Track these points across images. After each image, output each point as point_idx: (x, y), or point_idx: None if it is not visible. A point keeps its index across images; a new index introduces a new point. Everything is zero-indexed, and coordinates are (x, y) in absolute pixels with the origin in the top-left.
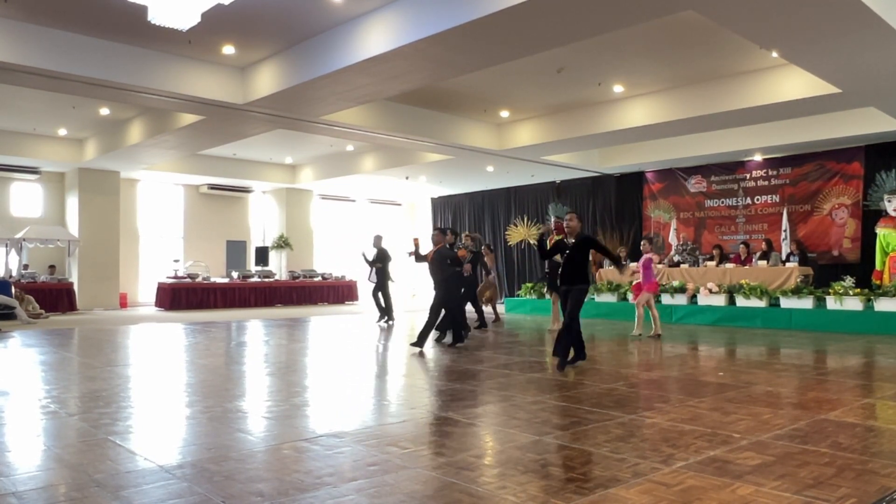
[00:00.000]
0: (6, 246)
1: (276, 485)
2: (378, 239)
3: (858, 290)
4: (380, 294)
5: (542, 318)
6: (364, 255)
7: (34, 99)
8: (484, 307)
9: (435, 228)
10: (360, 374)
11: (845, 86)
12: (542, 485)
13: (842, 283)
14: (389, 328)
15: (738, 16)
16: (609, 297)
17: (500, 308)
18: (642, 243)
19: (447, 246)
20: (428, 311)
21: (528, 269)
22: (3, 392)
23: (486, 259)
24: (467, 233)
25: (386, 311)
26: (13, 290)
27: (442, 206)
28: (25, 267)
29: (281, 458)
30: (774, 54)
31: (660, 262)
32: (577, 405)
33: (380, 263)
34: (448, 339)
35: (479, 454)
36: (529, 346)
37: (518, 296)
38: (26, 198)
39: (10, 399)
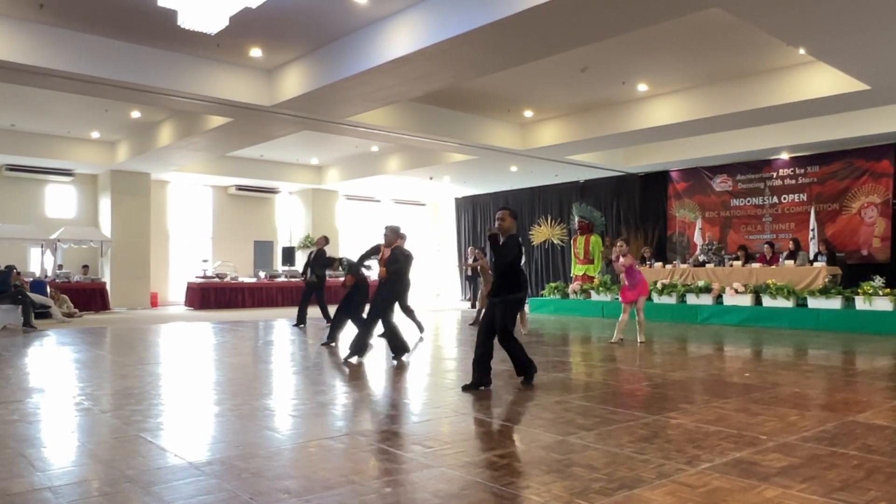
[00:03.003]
0: (42, 246)
1: (303, 482)
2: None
3: (888, 290)
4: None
5: (567, 318)
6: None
7: (68, 102)
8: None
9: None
10: (384, 374)
11: (874, 82)
12: (565, 485)
13: (871, 283)
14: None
15: (764, 12)
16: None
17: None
18: (620, 244)
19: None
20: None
21: (552, 269)
22: (38, 389)
23: (478, 262)
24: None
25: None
26: (48, 289)
27: (466, 206)
28: (60, 267)
29: (308, 456)
30: (801, 51)
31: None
32: (601, 405)
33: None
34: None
35: (503, 454)
36: (553, 346)
37: (542, 296)
38: (61, 199)
39: (45, 396)
